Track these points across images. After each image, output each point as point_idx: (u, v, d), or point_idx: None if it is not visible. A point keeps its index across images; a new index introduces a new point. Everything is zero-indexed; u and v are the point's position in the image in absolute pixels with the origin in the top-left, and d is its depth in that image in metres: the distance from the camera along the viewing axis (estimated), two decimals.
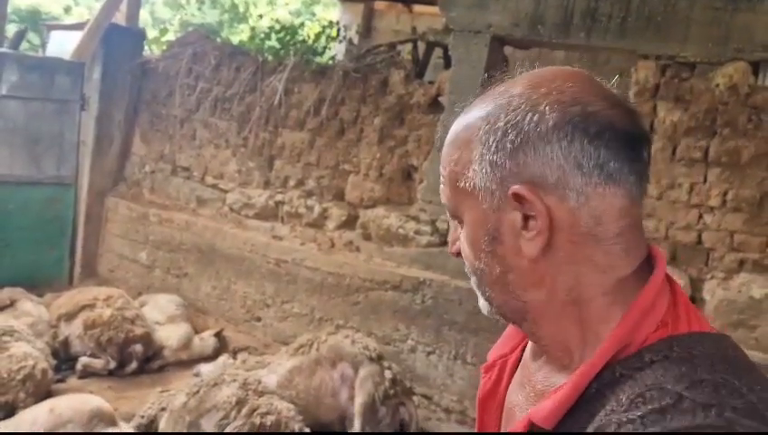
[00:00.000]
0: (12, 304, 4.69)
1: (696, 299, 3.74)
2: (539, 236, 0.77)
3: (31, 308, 4.66)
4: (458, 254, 0.89)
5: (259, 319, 5.36)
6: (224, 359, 4.50)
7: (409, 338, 4.50)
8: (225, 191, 5.89)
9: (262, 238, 5.41)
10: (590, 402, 0.74)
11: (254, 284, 5.36)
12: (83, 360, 4.33)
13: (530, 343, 0.92)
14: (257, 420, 3.08)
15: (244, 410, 3.13)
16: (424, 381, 4.41)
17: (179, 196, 6.24)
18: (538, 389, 0.85)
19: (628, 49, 4.06)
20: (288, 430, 3.12)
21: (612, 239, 0.77)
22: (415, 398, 4.06)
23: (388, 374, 3.79)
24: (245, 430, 3.03)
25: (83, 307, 4.53)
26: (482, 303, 0.89)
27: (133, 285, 6.13)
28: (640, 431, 0.65)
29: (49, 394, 3.60)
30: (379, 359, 3.86)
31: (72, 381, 4.24)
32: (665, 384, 0.69)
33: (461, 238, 0.87)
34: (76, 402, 2.92)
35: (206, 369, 4.28)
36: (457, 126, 0.86)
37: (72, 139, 6.08)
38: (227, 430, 3.05)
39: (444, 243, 4.57)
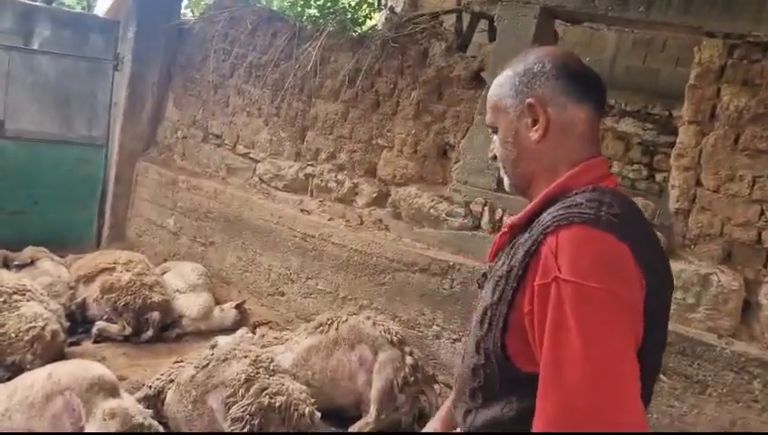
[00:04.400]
0: (33, 262, 4.64)
1: (750, 303, 3.41)
2: (540, 129, 1.40)
3: (51, 268, 4.60)
4: (495, 158, 1.54)
5: (283, 294, 5.21)
6: (242, 332, 4.36)
7: (435, 323, 4.28)
8: (256, 161, 5.74)
9: (290, 211, 5.23)
10: (541, 212, 1.35)
11: (279, 257, 5.21)
12: (99, 324, 4.25)
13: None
14: (266, 400, 2.91)
15: (253, 389, 2.96)
16: (447, 370, 4.19)
17: (210, 163, 6.12)
18: (512, 218, 1.48)
19: (693, 25, 3.70)
20: (298, 413, 2.95)
21: (578, 135, 1.41)
22: (437, 386, 3.85)
23: (409, 360, 3.58)
24: (252, 410, 2.86)
25: (102, 270, 4.45)
26: (506, 181, 1.54)
27: (159, 251, 6.06)
28: (557, 211, 1.29)
29: (62, 357, 3.52)
30: (400, 344, 3.65)
31: (87, 344, 4.17)
32: (576, 199, 1.30)
33: (496, 143, 1.51)
34: (77, 369, 2.80)
35: (223, 341, 4.14)
36: (499, 77, 1.50)
37: (105, 99, 6.00)
38: (233, 408, 2.88)
39: (477, 226, 4.33)
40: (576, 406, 1.16)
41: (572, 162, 1.40)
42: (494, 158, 1.53)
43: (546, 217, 1.31)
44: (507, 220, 1.53)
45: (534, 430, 1.21)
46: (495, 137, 1.51)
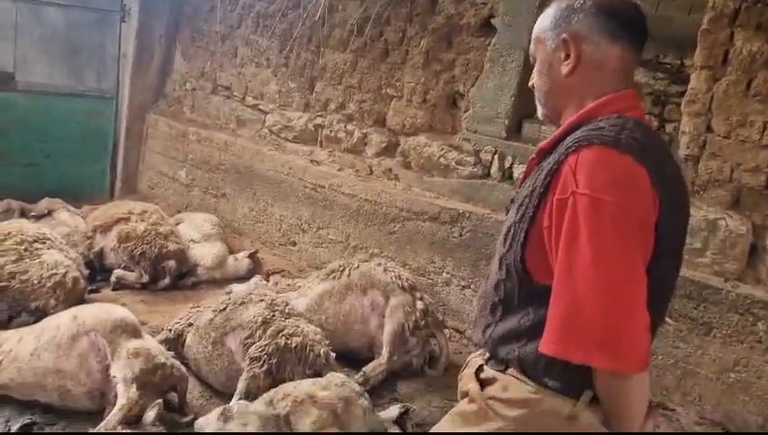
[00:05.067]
0: (49, 213, 4.72)
1: (756, 247, 3.45)
2: (570, 64, 1.49)
3: (67, 218, 4.68)
4: (533, 86, 1.61)
5: (294, 243, 5.30)
6: (256, 280, 4.45)
7: (444, 271, 4.36)
8: (265, 112, 5.75)
9: (300, 162, 5.27)
10: (565, 138, 1.42)
11: (290, 207, 5.27)
12: (117, 272, 4.35)
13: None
14: (282, 341, 3.01)
15: (270, 331, 3.05)
16: (457, 316, 4.29)
17: (219, 115, 6.13)
18: (541, 143, 1.56)
19: None
20: (314, 353, 3.05)
21: (609, 71, 1.48)
22: (447, 331, 3.95)
23: (419, 305, 3.67)
24: (270, 350, 2.97)
25: (118, 220, 4.52)
26: (539, 110, 1.62)
27: (172, 202, 6.14)
28: (580, 134, 1.38)
29: (82, 303, 3.61)
30: (411, 289, 3.73)
31: (106, 292, 4.27)
32: (599, 123, 1.38)
33: (534, 74, 1.60)
34: (100, 312, 2.89)
35: (238, 288, 4.23)
36: (546, 9, 1.56)
37: (113, 51, 5.99)
38: (251, 349, 2.99)
39: (487, 175, 4.35)
40: (583, 309, 1.25)
41: (600, 94, 1.47)
42: (533, 87, 1.62)
43: (570, 139, 1.39)
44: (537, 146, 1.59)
45: (545, 332, 1.32)
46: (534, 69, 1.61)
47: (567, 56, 1.48)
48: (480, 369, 1.57)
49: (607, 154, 1.30)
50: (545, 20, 1.55)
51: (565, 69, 1.49)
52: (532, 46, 1.61)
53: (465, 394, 1.61)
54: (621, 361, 1.26)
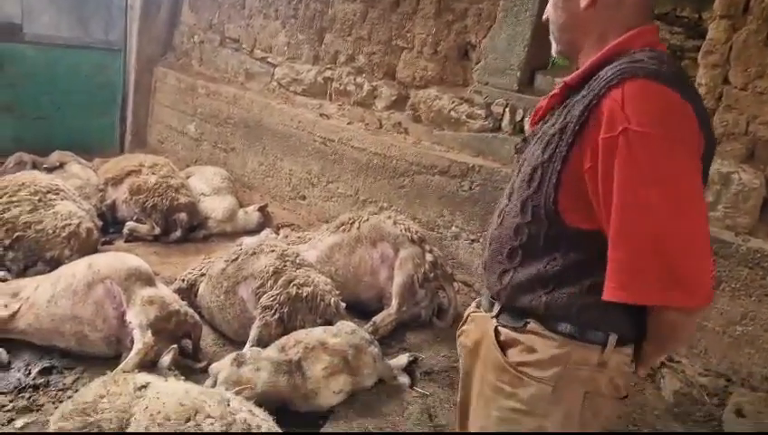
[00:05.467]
0: (61, 166, 4.75)
1: None
2: None
3: (79, 171, 4.71)
4: (547, 20, 1.58)
5: (304, 197, 5.31)
6: (266, 232, 4.49)
7: (454, 225, 4.37)
8: (274, 65, 5.69)
9: (309, 116, 5.24)
10: (598, 72, 1.37)
11: (300, 161, 5.27)
12: (129, 224, 4.39)
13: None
14: (293, 291, 3.05)
15: (281, 281, 3.10)
16: (466, 269, 4.32)
17: (228, 68, 6.08)
18: (567, 78, 1.48)
19: None
20: (324, 302, 3.09)
21: (630, 5, 1.42)
22: (455, 284, 3.98)
23: (428, 257, 3.69)
24: (281, 299, 3.01)
25: (129, 173, 4.55)
26: (553, 47, 1.58)
27: (182, 157, 6.14)
28: (618, 66, 1.32)
29: (95, 253, 3.65)
30: (420, 241, 3.75)
31: (119, 243, 4.32)
32: (635, 56, 1.33)
33: (549, 7, 1.56)
34: (115, 260, 2.93)
35: (248, 241, 4.27)
36: None
37: (120, 2, 5.91)
38: (263, 298, 3.03)
39: (498, 128, 4.32)
40: (654, 249, 1.21)
41: (624, 29, 1.41)
42: (547, 21, 1.58)
43: (607, 72, 1.32)
44: (558, 82, 1.53)
45: (609, 279, 1.27)
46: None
47: None
48: (497, 332, 1.52)
49: (655, 87, 1.25)
50: None
51: (583, 2, 1.44)
52: None
53: (473, 351, 1.60)
54: (696, 296, 1.24)
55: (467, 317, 1.69)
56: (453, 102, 4.51)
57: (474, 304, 1.73)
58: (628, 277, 1.25)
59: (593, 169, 1.28)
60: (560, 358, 1.42)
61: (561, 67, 4.16)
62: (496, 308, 1.55)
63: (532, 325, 1.45)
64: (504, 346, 1.50)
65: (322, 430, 2.64)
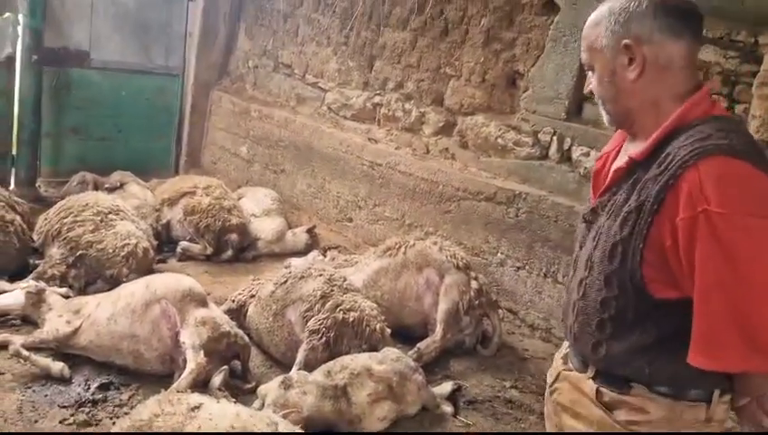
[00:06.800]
0: (121, 186, 4.97)
1: None
2: (637, 68, 1.46)
3: (138, 191, 4.93)
4: (591, 93, 1.60)
5: (351, 220, 5.40)
6: (314, 254, 4.59)
7: (499, 251, 4.38)
8: (325, 90, 5.84)
9: (358, 140, 5.35)
10: (663, 146, 1.42)
11: (347, 184, 5.38)
12: (183, 244, 4.56)
13: (625, 142, 1.62)
14: (340, 316, 3.12)
15: (328, 305, 3.17)
16: (510, 296, 4.32)
17: (280, 93, 6.27)
18: (631, 152, 1.51)
19: None
20: (370, 328, 3.14)
21: (678, 70, 1.46)
22: (500, 311, 3.99)
23: (474, 284, 3.71)
24: (328, 323, 3.08)
25: (184, 194, 4.73)
26: (605, 117, 1.60)
27: (233, 178, 6.33)
28: (690, 145, 1.34)
29: (150, 272, 3.82)
30: (465, 268, 3.78)
31: (173, 262, 4.49)
32: (703, 130, 1.37)
33: (593, 81, 1.58)
34: (171, 281, 3.07)
35: (296, 262, 4.38)
36: (594, 15, 1.54)
37: (180, 29, 6.18)
38: (310, 322, 3.11)
39: (545, 156, 4.32)
40: (735, 322, 1.27)
41: (677, 95, 1.46)
42: (591, 93, 1.61)
43: (677, 151, 1.36)
44: (624, 155, 1.56)
45: (694, 346, 1.34)
46: (591, 74, 1.57)
47: (631, 60, 1.46)
48: (599, 392, 1.55)
49: (728, 164, 1.29)
50: (598, 26, 1.51)
51: (632, 74, 1.46)
52: (584, 55, 1.58)
53: (569, 409, 1.64)
54: None
55: (558, 375, 1.72)
56: (500, 130, 4.54)
57: (560, 359, 1.76)
58: (712, 348, 1.31)
59: (674, 247, 1.33)
60: (671, 419, 1.47)
61: None
62: (591, 371, 1.59)
63: (638, 389, 1.50)
64: (607, 406, 1.54)
65: None
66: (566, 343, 1.74)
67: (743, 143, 1.33)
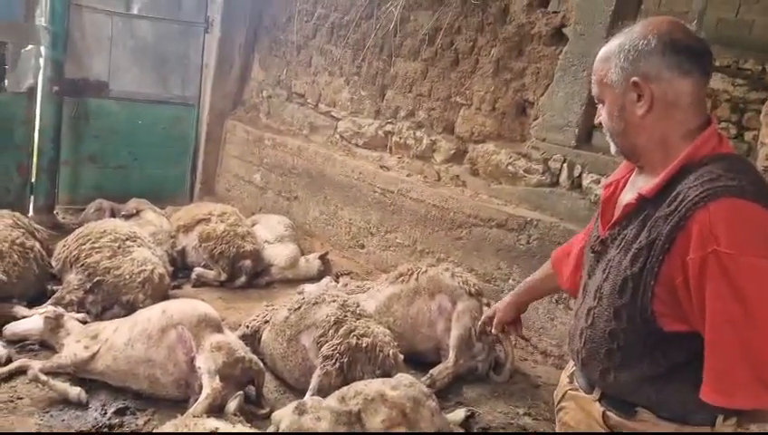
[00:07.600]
0: (137, 213, 5.05)
1: None
2: (645, 104, 1.49)
3: (154, 218, 5.00)
4: (600, 124, 1.64)
5: (363, 246, 5.45)
6: (327, 281, 4.63)
7: (511, 278, 4.39)
8: (337, 119, 5.94)
9: (370, 167, 5.43)
10: (673, 184, 1.44)
11: (359, 211, 5.44)
12: (197, 270, 4.62)
13: (634, 173, 1.65)
14: (353, 341, 3.14)
15: (342, 330, 3.19)
16: (523, 323, 4.28)
17: (293, 121, 6.38)
18: (640, 187, 1.55)
19: None
20: (383, 354, 3.16)
21: (686, 106, 1.48)
22: (512, 338, 3.98)
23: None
24: (342, 349, 3.10)
25: (199, 221, 4.80)
26: (613, 148, 1.63)
27: (247, 205, 6.42)
28: (700, 185, 1.36)
29: (166, 298, 3.86)
30: (478, 294, 3.80)
31: (187, 288, 4.55)
32: (712, 170, 1.40)
33: (603, 115, 1.61)
34: (187, 307, 3.12)
35: (309, 288, 4.42)
36: (604, 50, 1.57)
37: (196, 60, 6.33)
38: (324, 347, 3.14)
39: (556, 183, 4.37)
40: (744, 361, 1.31)
41: (685, 132, 1.48)
42: (600, 125, 1.64)
43: (687, 191, 1.39)
44: (633, 189, 1.60)
45: (706, 383, 1.37)
46: (601, 106, 1.61)
47: (639, 97, 1.48)
48: (605, 416, 1.59)
49: (737, 205, 1.32)
50: (608, 61, 1.53)
51: (640, 111, 1.49)
52: (594, 88, 1.61)
53: (575, 429, 1.68)
54: None
55: (565, 394, 1.75)
56: (510, 157, 4.60)
57: (566, 378, 1.78)
58: (725, 386, 1.33)
59: (684, 283, 1.36)
60: None
61: None
62: (597, 393, 1.62)
63: (644, 415, 1.53)
64: (612, 428, 1.58)
65: None
66: (572, 362, 1.77)
67: (752, 184, 1.36)
